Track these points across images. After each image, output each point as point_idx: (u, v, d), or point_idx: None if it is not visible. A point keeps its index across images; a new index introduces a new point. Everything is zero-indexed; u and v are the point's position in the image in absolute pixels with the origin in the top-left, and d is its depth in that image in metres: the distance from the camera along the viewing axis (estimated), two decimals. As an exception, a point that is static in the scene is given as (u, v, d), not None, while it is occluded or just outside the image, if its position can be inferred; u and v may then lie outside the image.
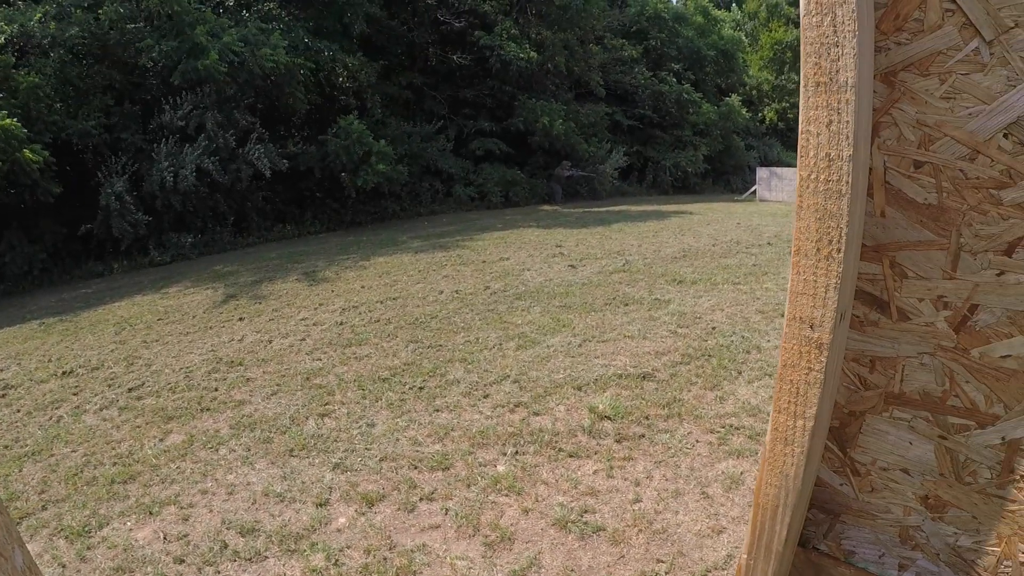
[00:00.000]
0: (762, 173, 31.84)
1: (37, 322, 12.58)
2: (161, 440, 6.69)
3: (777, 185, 30.79)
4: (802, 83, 1.67)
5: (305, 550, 4.65)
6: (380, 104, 23.72)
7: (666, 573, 4.43)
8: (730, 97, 40.89)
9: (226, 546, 4.76)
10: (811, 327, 1.75)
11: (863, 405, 1.99)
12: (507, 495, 5.31)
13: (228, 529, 4.99)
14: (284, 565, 4.51)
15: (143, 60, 18.87)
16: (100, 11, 18.31)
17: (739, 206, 28.09)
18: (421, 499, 5.27)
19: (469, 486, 5.43)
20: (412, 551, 4.59)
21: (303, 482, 5.63)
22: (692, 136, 35.56)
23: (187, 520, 5.18)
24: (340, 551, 4.62)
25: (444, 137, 25.50)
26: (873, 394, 1.95)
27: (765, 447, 2.00)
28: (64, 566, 4.61)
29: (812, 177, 1.66)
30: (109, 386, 8.35)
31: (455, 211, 24.23)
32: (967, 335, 1.69)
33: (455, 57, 26.04)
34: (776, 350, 8.67)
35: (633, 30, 36.89)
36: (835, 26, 1.50)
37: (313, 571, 4.40)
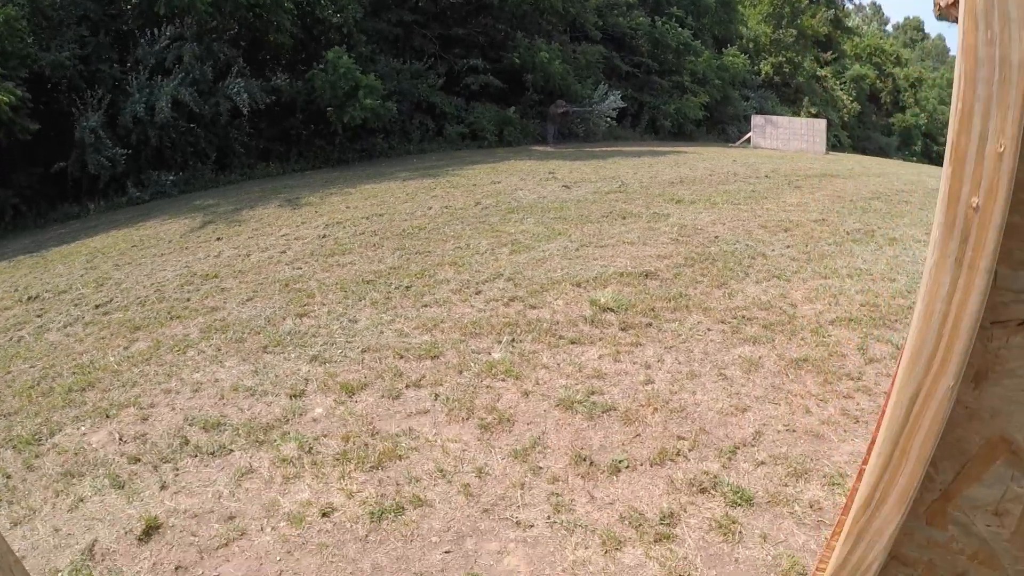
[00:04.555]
0: (757, 120, 31.50)
1: (6, 262, 11.90)
2: (125, 348, 6.14)
3: (772, 133, 30.47)
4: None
5: (276, 440, 4.15)
6: (368, 41, 22.84)
7: (689, 450, 3.99)
8: (728, 47, 40.38)
9: (187, 442, 4.26)
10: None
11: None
12: (504, 380, 4.83)
13: (191, 426, 4.48)
14: (251, 457, 4.01)
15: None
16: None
17: (735, 150, 27.60)
18: (408, 386, 4.79)
19: (461, 372, 4.95)
20: (397, 435, 4.13)
21: (276, 375, 5.10)
22: (691, 83, 35.05)
23: (146, 420, 4.66)
24: (315, 440, 4.14)
25: (435, 74, 24.35)
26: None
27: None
28: (8, 476, 4.10)
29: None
30: (75, 306, 7.77)
31: (445, 150, 23.37)
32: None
33: (447, -7, 25.24)
34: (782, 258, 8.36)
35: (629, -27, 36.25)
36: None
37: (284, 460, 3.92)
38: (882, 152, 45.42)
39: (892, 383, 1.38)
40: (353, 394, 4.72)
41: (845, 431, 4.47)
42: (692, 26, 36.70)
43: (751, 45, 43.63)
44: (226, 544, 3.31)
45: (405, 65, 23.71)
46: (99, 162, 16.86)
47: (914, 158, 48.55)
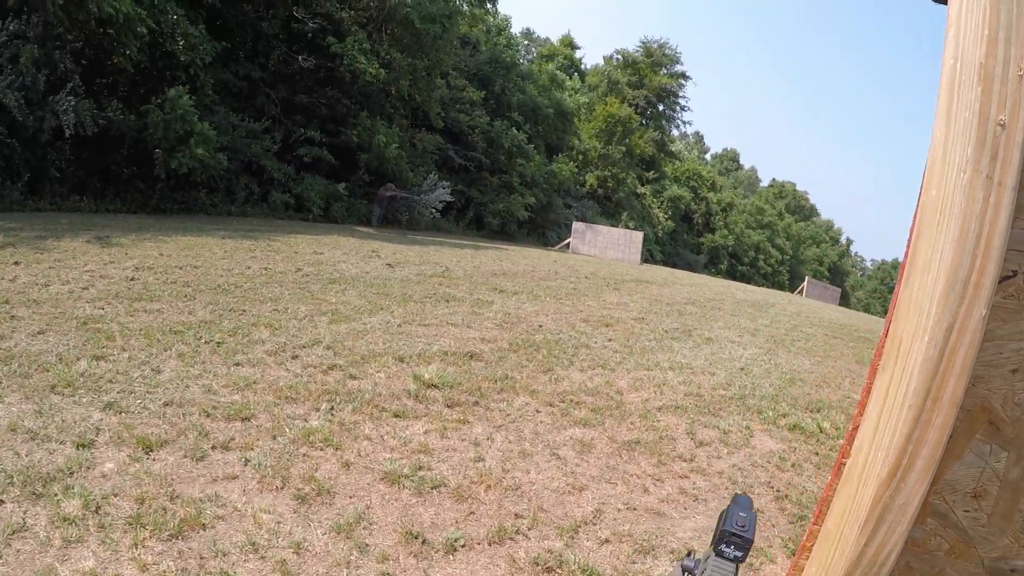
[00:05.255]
0: (578, 226, 32.93)
1: None
2: None
3: (591, 240, 31.89)
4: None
5: (57, 495, 3.56)
6: (212, 89, 21.93)
7: (529, 528, 3.82)
8: (559, 156, 42.04)
9: (-62, 487, 3.59)
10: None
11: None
12: (322, 449, 4.47)
13: (-53, 469, 3.80)
14: (25, 512, 3.40)
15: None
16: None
17: (555, 252, 28.72)
18: (215, 447, 4.30)
19: (275, 437, 4.52)
20: (201, 501, 3.65)
21: (64, 420, 4.47)
22: (519, 185, 36.04)
23: None
24: (104, 498, 3.58)
25: (271, 138, 23.73)
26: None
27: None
28: None
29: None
30: None
31: (268, 217, 22.58)
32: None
33: (301, 58, 24.72)
34: (605, 350, 8.52)
35: (479, 75, 37.21)
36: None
37: (65, 520, 3.34)
38: (690, 268, 48.51)
39: (878, 351, 1.38)
40: (151, 450, 4.18)
41: (686, 508, 4.48)
42: (528, 132, 37.98)
43: (580, 157, 45.62)
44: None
45: (243, 122, 22.88)
46: None
47: (720, 275, 52.05)
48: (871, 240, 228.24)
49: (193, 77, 20.97)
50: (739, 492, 1.70)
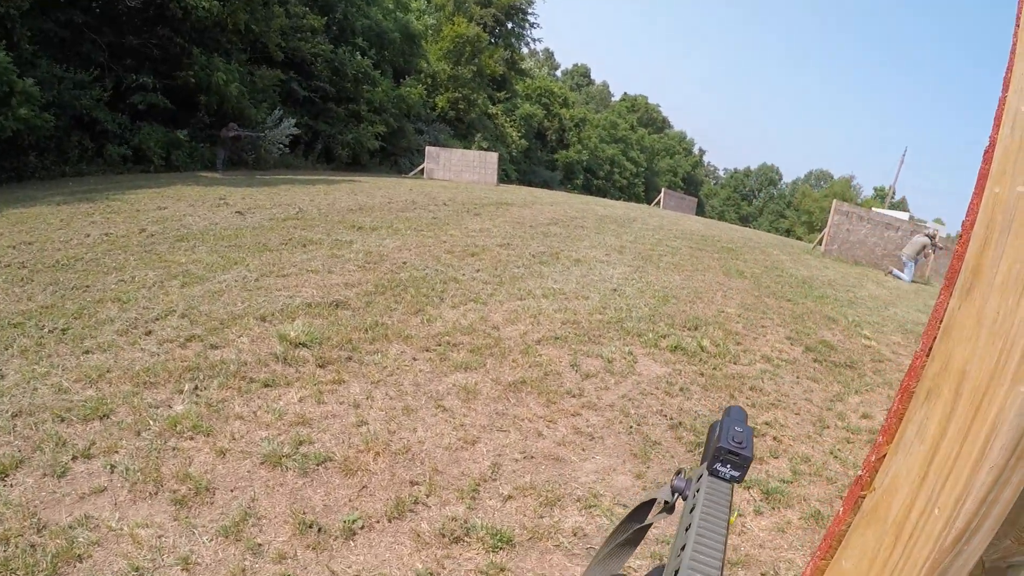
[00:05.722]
0: (432, 151, 32.46)
1: None
2: None
3: (446, 164, 31.53)
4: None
5: None
6: (31, 40, 19.86)
7: (427, 496, 3.65)
8: (407, 79, 41.06)
9: None
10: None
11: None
12: (192, 438, 4.11)
13: None
14: None
15: None
16: None
17: (410, 180, 28.07)
18: (75, 458, 3.81)
19: (139, 433, 4.09)
20: (71, 527, 3.21)
21: None
22: (368, 113, 35.15)
23: None
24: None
25: (101, 87, 21.86)
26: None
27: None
28: None
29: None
30: None
31: (106, 172, 21.03)
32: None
33: (125, -3, 22.73)
34: (474, 282, 8.39)
35: (320, 1, 35.66)
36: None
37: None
38: (546, 185, 48.97)
39: (913, 371, 1.16)
40: (6, 474, 3.63)
41: (583, 449, 4.43)
42: (374, 57, 36.91)
43: (429, 80, 44.87)
44: None
45: (69, 73, 21.00)
46: None
47: (576, 190, 52.81)
48: (723, 150, 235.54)
49: (10, 31, 19.06)
50: (732, 404, 1.53)
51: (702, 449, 4.56)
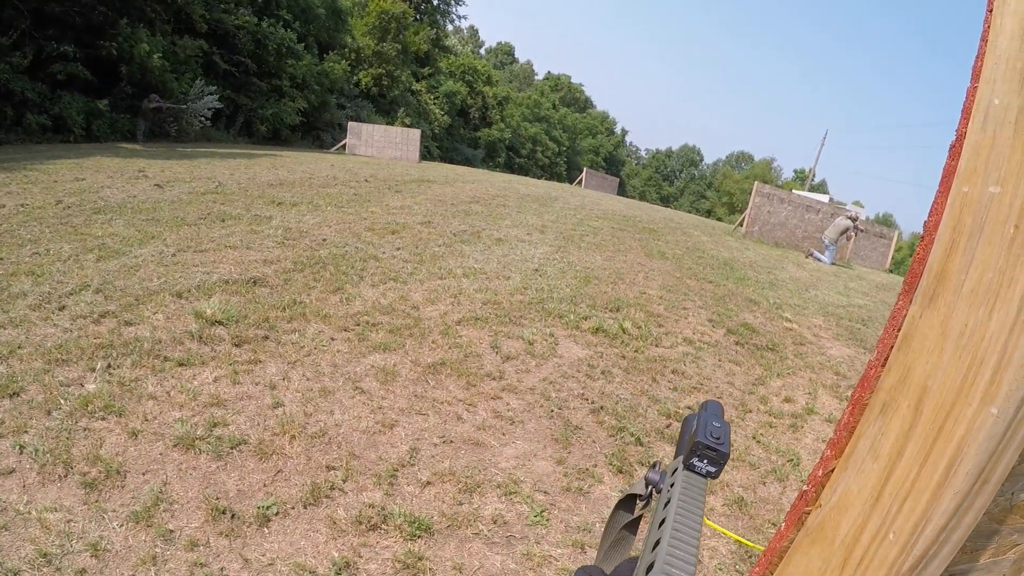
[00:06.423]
0: (354, 127, 32.18)
1: None
2: None
3: (368, 139, 31.29)
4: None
5: None
6: None
7: (344, 481, 3.56)
8: (330, 54, 40.38)
9: None
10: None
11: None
12: (104, 418, 3.92)
13: None
14: None
15: None
16: None
17: (331, 155, 27.80)
18: None
19: (50, 412, 3.88)
20: None
21: None
22: (290, 87, 34.49)
23: None
24: None
25: (20, 54, 20.93)
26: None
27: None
28: None
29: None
30: None
31: (25, 142, 20.15)
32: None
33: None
34: (395, 260, 8.28)
35: (245, -26, 34.70)
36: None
37: None
38: (469, 163, 48.98)
39: (866, 381, 1.10)
40: None
41: (504, 434, 4.38)
42: (299, 31, 36.17)
43: (353, 55, 44.21)
44: None
45: (-12, 39, 20.08)
46: None
47: (498, 169, 52.84)
48: (645, 130, 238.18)
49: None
50: (711, 399, 1.49)
51: (621, 435, 4.57)
